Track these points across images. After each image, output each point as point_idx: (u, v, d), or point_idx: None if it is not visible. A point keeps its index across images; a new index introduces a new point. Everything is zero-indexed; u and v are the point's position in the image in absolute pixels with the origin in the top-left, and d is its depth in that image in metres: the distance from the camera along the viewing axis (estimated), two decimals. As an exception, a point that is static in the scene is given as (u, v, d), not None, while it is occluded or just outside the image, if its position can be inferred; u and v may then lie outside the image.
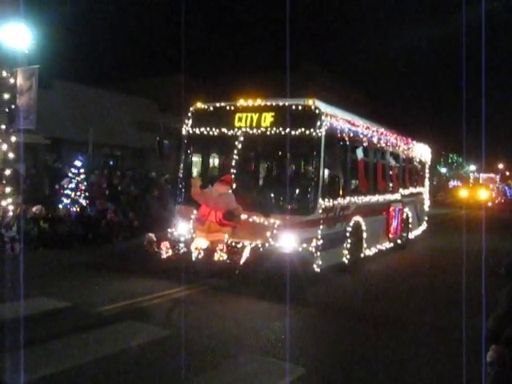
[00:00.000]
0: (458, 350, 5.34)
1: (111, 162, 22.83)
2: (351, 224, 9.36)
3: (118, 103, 23.93)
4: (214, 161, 10.23)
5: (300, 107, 8.25)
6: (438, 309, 7.51)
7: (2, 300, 6.75)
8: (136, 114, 24.40)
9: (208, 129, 8.89)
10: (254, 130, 8.48)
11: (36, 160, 17.60)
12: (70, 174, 13.28)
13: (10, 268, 8.36)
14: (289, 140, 8.12)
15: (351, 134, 9.45)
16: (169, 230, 8.71)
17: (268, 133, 8.36)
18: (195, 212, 8.34)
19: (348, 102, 26.74)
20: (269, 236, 7.84)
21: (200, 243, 7.81)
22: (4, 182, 11.35)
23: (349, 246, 9.23)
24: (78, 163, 13.32)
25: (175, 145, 10.15)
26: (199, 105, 9.21)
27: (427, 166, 16.08)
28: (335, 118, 8.84)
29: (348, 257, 9.19)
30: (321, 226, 8.19)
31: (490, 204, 33.32)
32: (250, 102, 8.67)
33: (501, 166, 60.29)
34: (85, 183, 13.41)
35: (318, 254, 8.07)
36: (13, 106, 11.78)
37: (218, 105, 9.06)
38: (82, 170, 13.39)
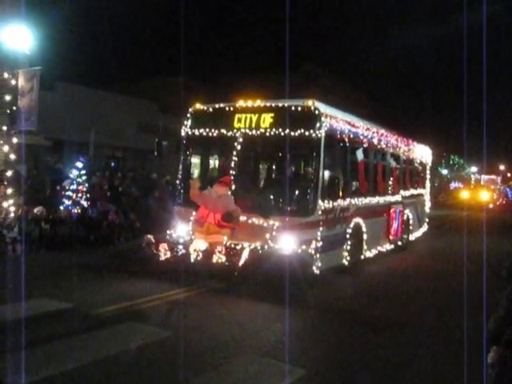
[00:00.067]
0: (458, 352, 5.31)
1: (112, 164, 22.85)
2: (351, 226, 9.31)
3: (119, 105, 23.94)
4: (213, 162, 10.19)
5: (299, 108, 8.21)
6: (439, 310, 7.47)
7: (4, 301, 6.75)
8: (137, 116, 24.41)
9: (207, 130, 8.86)
10: (254, 131, 8.44)
11: (37, 161, 17.61)
12: (71, 176, 13.27)
13: (11, 269, 8.35)
14: (288, 141, 8.08)
15: (351, 135, 9.41)
16: (168, 232, 8.67)
17: (267, 134, 8.32)
18: (194, 214, 8.30)
19: (348, 103, 26.70)
20: (268, 238, 7.79)
21: (199, 245, 7.78)
22: (5, 183, 11.38)
23: (349, 247, 9.18)
24: (79, 164, 13.31)
25: (174, 146, 10.12)
26: (198, 106, 9.18)
27: (428, 168, 16.02)
28: (335, 119, 8.79)
29: (348, 258, 9.14)
30: (320, 228, 8.14)
31: (491, 206, 33.23)
32: (249, 103, 8.63)
33: (502, 167, 60.22)
34: (86, 184, 13.40)
35: (318, 255, 8.02)
36: (14, 108, 11.82)
37: (216, 106, 9.02)
38: (83, 172, 13.38)
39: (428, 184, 16.07)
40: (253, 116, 8.48)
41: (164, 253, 7.87)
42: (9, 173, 11.44)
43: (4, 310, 6.42)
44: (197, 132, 9.00)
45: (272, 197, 8.54)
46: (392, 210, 11.68)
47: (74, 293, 7.43)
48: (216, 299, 7.59)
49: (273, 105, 8.47)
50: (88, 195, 13.29)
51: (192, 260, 7.58)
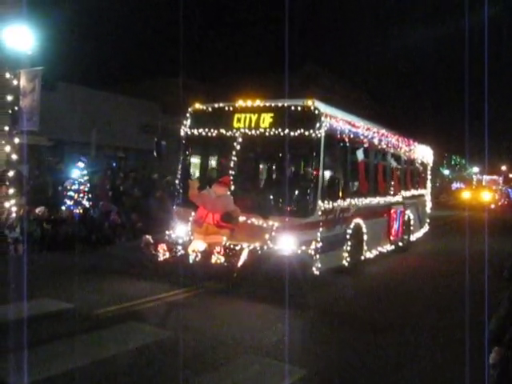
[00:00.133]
0: (460, 353, 5.28)
1: (114, 164, 22.83)
2: (351, 226, 9.26)
3: (120, 105, 23.95)
4: (213, 162, 10.15)
5: (299, 108, 8.16)
6: (440, 311, 7.43)
7: (5, 301, 6.77)
8: (139, 116, 24.42)
9: (206, 130, 8.81)
10: (253, 131, 8.39)
11: (39, 161, 17.60)
12: (73, 176, 13.25)
13: (13, 269, 8.38)
14: (288, 141, 8.03)
15: (351, 135, 9.35)
16: (166, 232, 8.63)
17: (267, 134, 8.27)
18: (193, 214, 8.25)
19: (349, 103, 26.65)
20: (267, 238, 7.74)
21: (197, 245, 7.74)
22: (7, 183, 11.40)
23: (349, 248, 9.13)
24: (81, 165, 13.31)
25: (174, 146, 10.08)
26: (197, 106, 9.13)
27: (429, 168, 15.96)
28: (335, 119, 8.74)
29: (348, 259, 9.08)
30: (320, 229, 8.09)
31: (492, 206, 33.15)
32: (249, 103, 8.58)
33: (504, 167, 60.04)
34: (88, 185, 13.39)
35: (318, 256, 7.97)
36: (16, 108, 11.86)
37: (216, 105, 8.97)
38: (85, 172, 13.36)
39: (429, 184, 16.00)
40: (252, 116, 8.44)
41: (163, 253, 7.83)
42: (11, 173, 11.47)
43: (6, 309, 6.46)
44: (196, 132, 8.95)
45: (271, 197, 8.49)
46: (393, 211, 11.62)
47: (75, 293, 7.45)
48: (216, 300, 7.57)
49: (272, 104, 8.42)
50: (90, 195, 13.28)
51: (191, 261, 7.54)
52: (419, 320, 6.97)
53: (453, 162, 64.87)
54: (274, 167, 9.72)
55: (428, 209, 15.70)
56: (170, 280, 8.09)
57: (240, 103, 8.66)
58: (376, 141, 10.71)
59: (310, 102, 8.15)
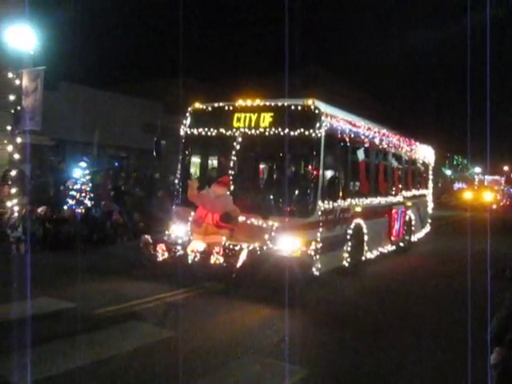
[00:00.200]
0: (461, 353, 5.25)
1: (116, 164, 22.83)
2: (352, 226, 9.20)
3: (123, 105, 23.94)
4: (212, 162, 10.10)
5: (299, 107, 8.11)
6: (441, 312, 7.39)
7: (7, 300, 6.80)
8: (141, 116, 24.41)
9: (206, 129, 8.76)
10: (253, 131, 8.34)
11: (41, 161, 17.62)
12: (74, 175, 13.24)
13: (15, 268, 8.40)
14: (288, 141, 7.98)
15: (352, 135, 9.29)
16: (166, 232, 8.58)
17: (267, 133, 8.22)
18: (192, 214, 8.20)
19: (350, 102, 26.56)
20: (267, 238, 7.68)
21: (196, 246, 7.68)
22: (10, 182, 11.42)
23: (349, 248, 9.07)
24: (83, 164, 13.30)
25: (176, 145, 10.04)
26: (197, 105, 9.09)
27: (431, 168, 15.89)
28: (335, 119, 8.68)
29: (348, 260, 9.03)
30: (320, 229, 8.03)
31: (494, 206, 33.03)
32: (249, 102, 8.53)
33: (506, 168, 59.88)
34: (90, 184, 13.39)
35: (318, 257, 7.91)
36: (18, 108, 11.92)
37: (216, 105, 8.93)
38: (86, 171, 13.35)
39: (431, 184, 15.94)
40: (252, 115, 8.38)
41: (162, 253, 7.79)
42: (13, 172, 11.49)
43: (8, 308, 6.50)
44: (196, 131, 8.90)
45: (271, 197, 8.44)
46: (394, 211, 11.56)
47: (77, 292, 7.47)
48: (216, 300, 7.57)
49: (272, 104, 8.37)
50: (92, 195, 13.29)
51: (190, 261, 7.49)
52: (420, 320, 6.94)
53: (455, 162, 64.76)
54: (273, 167, 9.67)
55: (430, 209, 15.64)
56: (169, 280, 8.06)
57: (240, 103, 8.61)
58: (377, 140, 10.65)
59: (310, 102, 8.09)
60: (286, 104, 8.26)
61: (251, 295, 7.64)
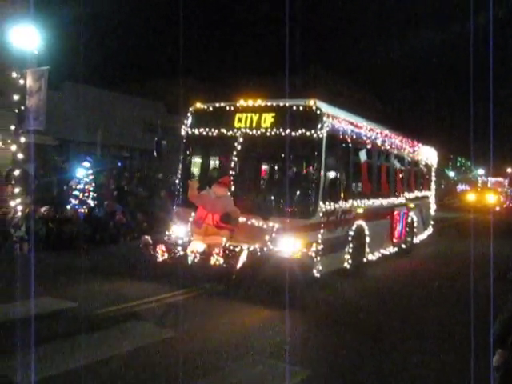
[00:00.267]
0: (464, 355, 5.23)
1: (119, 164, 22.88)
2: (353, 228, 9.15)
3: (126, 105, 24.00)
4: (213, 162, 10.06)
5: (301, 108, 8.06)
6: (444, 314, 7.36)
7: (10, 299, 6.81)
8: (144, 116, 24.46)
9: (207, 129, 8.73)
10: (254, 131, 8.30)
11: (45, 161, 17.67)
12: (78, 175, 13.25)
13: (18, 267, 8.41)
14: (289, 141, 7.92)
15: (354, 136, 9.24)
16: (166, 233, 8.55)
17: (268, 134, 8.18)
18: (193, 214, 8.17)
19: (353, 104, 26.53)
20: (267, 240, 7.65)
21: (196, 246, 7.65)
22: (13, 182, 11.45)
23: (351, 250, 9.01)
24: (86, 164, 13.31)
25: (177, 145, 10.02)
26: (198, 105, 9.06)
27: (433, 170, 15.83)
28: (337, 119, 8.64)
29: (350, 262, 8.97)
30: (321, 230, 7.98)
31: (498, 208, 32.88)
32: (250, 103, 8.49)
33: (509, 170, 59.66)
34: (93, 184, 13.40)
35: (319, 258, 7.86)
36: (22, 107, 11.94)
37: (217, 105, 8.89)
38: (90, 171, 13.36)
39: (433, 186, 15.87)
40: (253, 116, 8.35)
41: (161, 254, 7.76)
42: (17, 172, 11.51)
43: (10, 308, 6.52)
44: (197, 131, 8.87)
45: (272, 198, 8.41)
46: (396, 213, 11.50)
47: (78, 292, 7.48)
48: (216, 301, 7.55)
49: (274, 104, 8.33)
50: (95, 195, 13.30)
51: (189, 262, 7.46)
52: (422, 322, 6.91)
53: (458, 164, 64.65)
54: (274, 168, 9.63)
55: (432, 211, 15.57)
56: (169, 281, 8.04)
57: (241, 103, 8.58)
58: (379, 141, 10.60)
59: (311, 102, 8.05)
60: (287, 104, 8.22)
61: (251, 296, 7.60)
